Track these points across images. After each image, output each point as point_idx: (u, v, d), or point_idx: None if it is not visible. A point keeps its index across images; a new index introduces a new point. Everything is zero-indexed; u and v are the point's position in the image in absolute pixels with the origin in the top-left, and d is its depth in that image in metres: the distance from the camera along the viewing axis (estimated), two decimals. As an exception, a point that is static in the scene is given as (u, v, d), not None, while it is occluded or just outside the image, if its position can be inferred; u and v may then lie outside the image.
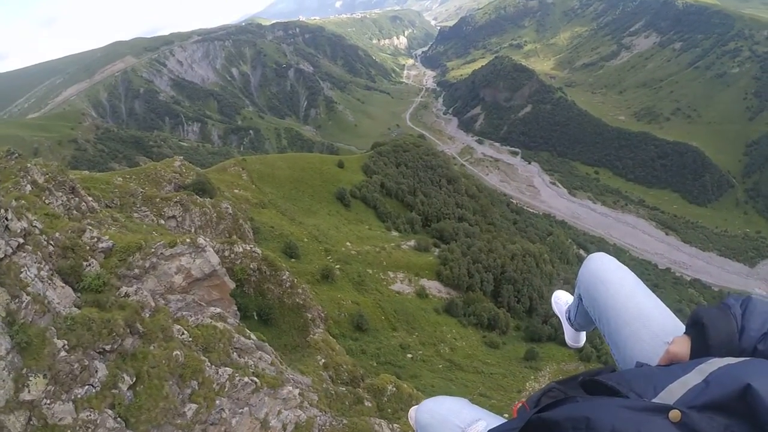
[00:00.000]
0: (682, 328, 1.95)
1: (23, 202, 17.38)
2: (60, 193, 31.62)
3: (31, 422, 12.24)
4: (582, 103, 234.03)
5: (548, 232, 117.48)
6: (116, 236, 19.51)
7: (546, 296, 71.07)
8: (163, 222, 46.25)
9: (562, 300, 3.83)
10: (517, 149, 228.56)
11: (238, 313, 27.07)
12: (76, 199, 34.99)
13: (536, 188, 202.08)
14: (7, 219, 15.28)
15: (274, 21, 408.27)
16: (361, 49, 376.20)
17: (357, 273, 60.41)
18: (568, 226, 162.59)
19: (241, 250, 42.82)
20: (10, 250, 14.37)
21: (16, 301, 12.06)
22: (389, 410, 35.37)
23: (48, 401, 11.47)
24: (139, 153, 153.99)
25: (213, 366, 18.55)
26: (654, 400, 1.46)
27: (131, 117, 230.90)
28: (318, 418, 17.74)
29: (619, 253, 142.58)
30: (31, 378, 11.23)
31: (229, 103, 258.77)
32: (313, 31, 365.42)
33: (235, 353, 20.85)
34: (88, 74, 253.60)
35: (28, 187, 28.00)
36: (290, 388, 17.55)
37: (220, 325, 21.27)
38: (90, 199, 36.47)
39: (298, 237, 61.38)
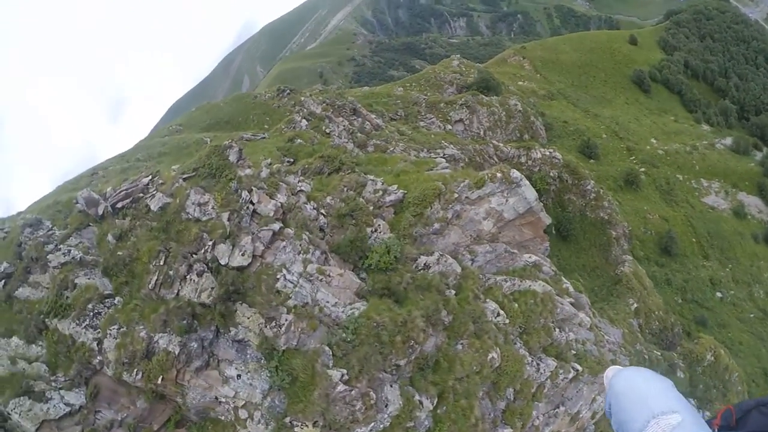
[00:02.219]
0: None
1: (277, 166, 15.35)
2: (341, 119, 30.42)
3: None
4: None
5: None
6: (409, 182, 16.00)
7: None
8: (450, 127, 43.42)
9: None
10: None
11: (548, 248, 22.52)
12: (359, 119, 33.71)
13: None
14: (252, 203, 13.11)
15: None
16: None
17: (665, 179, 51.21)
18: None
19: (539, 155, 37.66)
20: (261, 247, 11.85)
21: (273, 325, 9.16)
22: (701, 386, 28.09)
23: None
24: (413, 57, 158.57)
25: (533, 359, 14.66)
26: None
27: (398, 26, 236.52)
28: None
29: None
30: (297, 428, 8.18)
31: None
32: None
33: (556, 329, 16.67)
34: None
35: (304, 122, 26.99)
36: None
37: (539, 287, 16.93)
38: (373, 116, 35.06)
39: (595, 133, 53.55)
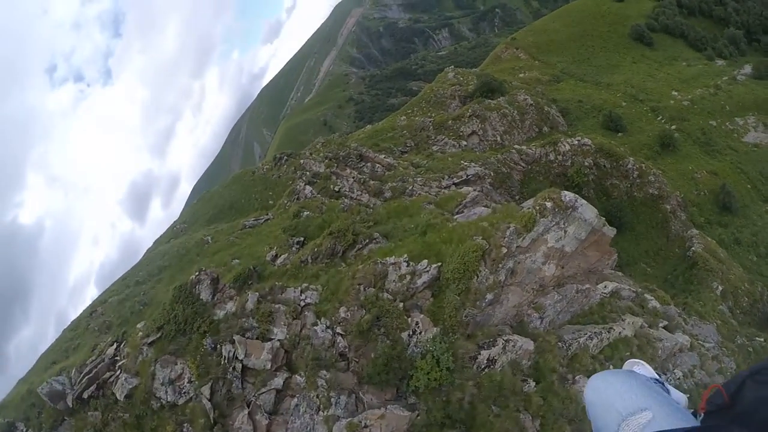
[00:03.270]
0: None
1: (268, 287, 12.56)
2: (348, 170, 28.30)
3: None
4: None
5: None
6: (441, 243, 13.09)
7: None
8: (464, 143, 40.93)
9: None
10: None
11: (617, 258, 19.53)
12: (368, 165, 31.74)
13: None
14: (239, 359, 10.26)
15: None
16: None
17: (699, 130, 47.87)
18: None
19: (567, 147, 34.82)
20: (265, 420, 9.35)
21: None
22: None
23: None
24: (408, 80, 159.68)
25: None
26: None
27: (385, 55, 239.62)
28: None
29: None
30: None
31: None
32: None
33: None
34: (331, 43, 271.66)
35: (307, 189, 24.80)
36: None
37: (628, 329, 13.64)
38: (382, 156, 32.93)
39: (614, 103, 50.53)
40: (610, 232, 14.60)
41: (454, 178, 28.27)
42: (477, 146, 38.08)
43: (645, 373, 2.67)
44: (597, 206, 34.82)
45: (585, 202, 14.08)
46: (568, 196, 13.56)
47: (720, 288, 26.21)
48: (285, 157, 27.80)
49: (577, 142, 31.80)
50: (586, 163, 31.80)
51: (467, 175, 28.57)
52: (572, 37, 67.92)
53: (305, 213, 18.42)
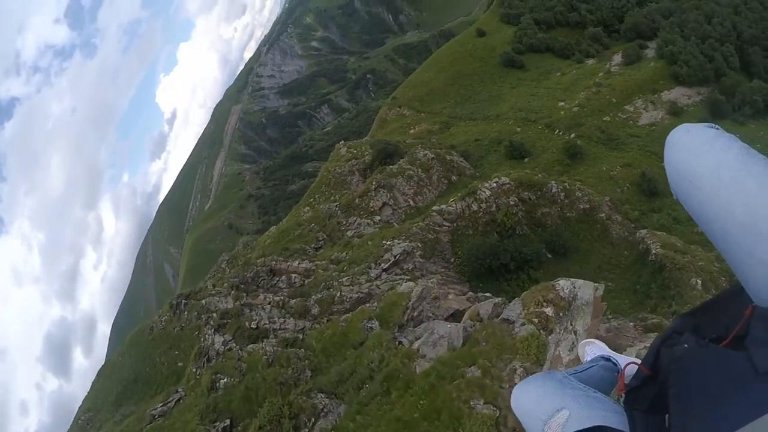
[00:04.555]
0: None
1: None
2: (261, 295, 24.33)
3: None
4: None
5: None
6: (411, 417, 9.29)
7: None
8: (378, 218, 38.03)
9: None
10: None
11: (606, 305, 16.71)
12: (283, 278, 27.90)
13: None
14: None
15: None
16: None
17: (597, 129, 48.35)
18: None
19: (488, 193, 32.24)
20: None
21: None
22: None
23: None
24: (302, 163, 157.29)
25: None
26: None
27: (274, 144, 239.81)
28: None
29: None
30: None
31: (332, 69, 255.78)
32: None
33: None
34: (218, 145, 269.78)
35: (218, 340, 20.26)
36: None
37: None
38: (296, 262, 29.01)
39: (509, 131, 49.92)
40: (601, 289, 11.44)
41: (382, 264, 24.83)
42: (392, 217, 35.12)
43: (596, 350, 2.85)
44: (534, 240, 33.00)
45: (580, 281, 10.84)
46: (564, 286, 10.24)
47: (699, 281, 24.02)
48: (183, 301, 23.32)
49: (495, 184, 29.46)
50: (512, 202, 29.44)
51: (394, 256, 25.23)
52: (449, 81, 68.44)
53: (222, 381, 14.20)
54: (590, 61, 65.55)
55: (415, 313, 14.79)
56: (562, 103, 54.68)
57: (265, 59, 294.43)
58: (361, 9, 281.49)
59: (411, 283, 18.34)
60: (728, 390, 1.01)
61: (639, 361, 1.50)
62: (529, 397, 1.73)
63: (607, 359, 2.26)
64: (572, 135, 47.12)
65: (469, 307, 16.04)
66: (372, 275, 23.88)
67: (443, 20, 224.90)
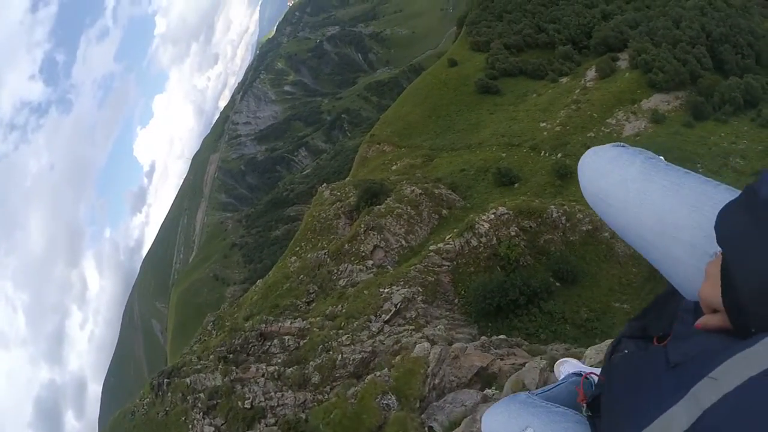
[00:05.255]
0: None
1: None
2: (252, 367, 21.65)
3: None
4: None
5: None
6: None
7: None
8: (371, 262, 35.89)
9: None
10: None
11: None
12: (274, 341, 25.22)
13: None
14: None
15: (273, 30, 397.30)
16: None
17: (583, 146, 47.19)
18: None
19: (486, 226, 30.12)
20: None
21: None
22: None
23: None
24: (284, 208, 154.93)
25: None
26: None
27: (254, 191, 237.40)
28: None
29: None
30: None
31: (307, 112, 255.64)
32: (309, 1, 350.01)
33: None
34: (198, 195, 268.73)
35: (209, 430, 17.53)
36: None
37: None
38: (288, 321, 26.31)
39: (495, 158, 48.67)
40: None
41: (383, 315, 22.73)
42: (385, 260, 33.09)
43: (570, 368, 2.86)
44: (541, 269, 31.15)
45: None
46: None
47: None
48: (166, 380, 20.85)
49: (493, 215, 27.68)
50: (512, 233, 27.64)
51: (395, 305, 23.15)
52: (426, 113, 67.45)
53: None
54: (564, 79, 65.16)
55: (437, 380, 12.71)
56: (544, 124, 53.71)
57: (240, 106, 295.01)
58: (331, 51, 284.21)
59: (426, 344, 16.13)
60: (644, 386, 1.04)
61: (599, 371, 1.54)
62: (497, 422, 1.75)
63: (579, 374, 2.22)
64: (559, 155, 45.90)
65: (492, 361, 14.02)
66: (373, 329, 21.74)
67: (411, 55, 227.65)
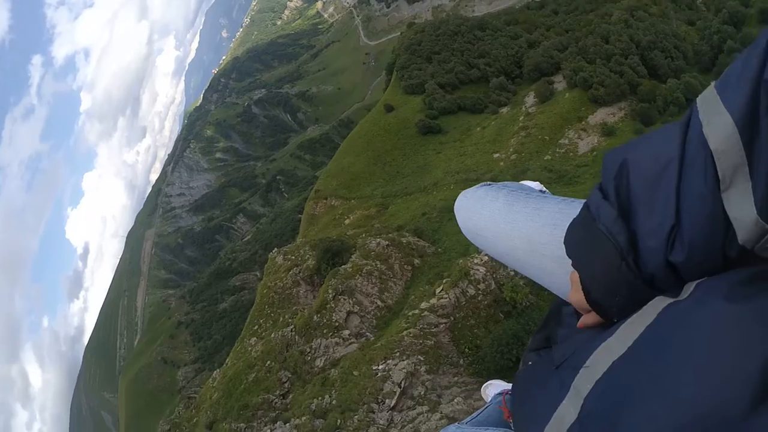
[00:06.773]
0: None
1: None
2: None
3: None
4: None
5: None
6: None
7: None
8: (347, 332, 31.39)
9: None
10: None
11: None
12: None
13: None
14: None
15: (200, 98, 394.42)
16: (280, 38, 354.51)
17: (544, 170, 46.93)
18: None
19: (483, 270, 26.59)
20: None
21: None
22: None
23: None
24: (228, 279, 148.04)
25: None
26: None
27: (195, 264, 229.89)
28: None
29: None
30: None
31: (241, 177, 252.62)
32: (233, 68, 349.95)
33: None
34: (137, 274, 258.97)
35: None
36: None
37: None
38: (267, 430, 21.70)
39: (454, 195, 44.97)
40: None
41: (387, 401, 18.29)
42: (362, 327, 28.65)
43: (495, 389, 2.98)
44: (545, 307, 27.69)
45: None
46: None
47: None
48: None
49: (487, 257, 24.11)
50: (512, 272, 24.16)
51: (398, 385, 18.84)
52: (371, 161, 64.86)
53: None
54: (504, 109, 64.60)
55: None
56: (497, 155, 51.97)
57: (172, 178, 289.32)
58: (259, 114, 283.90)
59: (452, 428, 12.12)
60: (538, 391, 1.11)
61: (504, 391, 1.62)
62: None
63: (504, 393, 2.33)
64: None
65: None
66: (381, 422, 17.23)
67: (339, 111, 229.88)
